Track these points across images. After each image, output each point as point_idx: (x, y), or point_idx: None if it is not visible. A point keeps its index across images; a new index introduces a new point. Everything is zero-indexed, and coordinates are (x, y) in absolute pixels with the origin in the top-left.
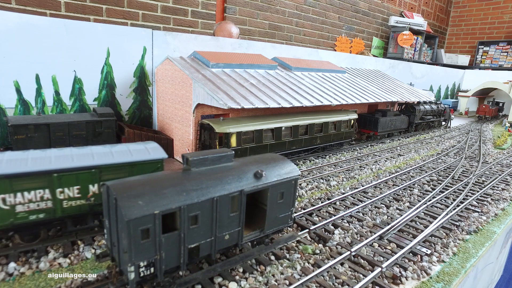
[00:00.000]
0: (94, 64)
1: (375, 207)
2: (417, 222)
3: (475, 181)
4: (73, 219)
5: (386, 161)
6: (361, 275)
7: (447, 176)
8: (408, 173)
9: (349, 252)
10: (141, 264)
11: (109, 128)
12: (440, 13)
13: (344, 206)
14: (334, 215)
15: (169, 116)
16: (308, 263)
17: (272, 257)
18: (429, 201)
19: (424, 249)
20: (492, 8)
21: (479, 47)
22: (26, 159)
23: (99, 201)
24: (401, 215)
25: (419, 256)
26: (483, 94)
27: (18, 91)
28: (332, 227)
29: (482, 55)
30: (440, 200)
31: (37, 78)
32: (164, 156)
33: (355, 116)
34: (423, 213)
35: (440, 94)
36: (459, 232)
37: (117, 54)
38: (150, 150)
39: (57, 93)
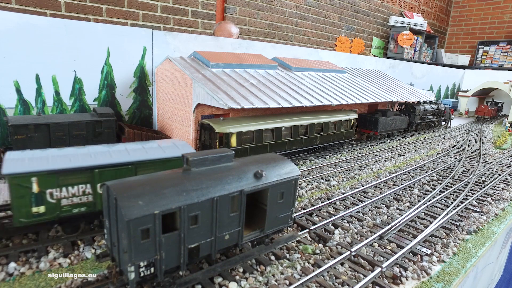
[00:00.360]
0: (94, 64)
1: (375, 207)
2: (417, 222)
3: (475, 181)
4: None
5: (386, 161)
6: (361, 275)
7: (447, 176)
8: (408, 173)
9: (349, 252)
10: (141, 264)
11: (109, 128)
12: (440, 13)
13: (344, 206)
14: (334, 215)
15: (169, 116)
16: (308, 263)
17: (272, 257)
18: (429, 201)
19: (424, 249)
20: (492, 8)
21: (479, 47)
22: (69, 155)
23: None
24: (401, 215)
25: (419, 256)
26: (483, 94)
27: (18, 91)
28: (332, 227)
29: (482, 55)
30: (440, 200)
31: (37, 78)
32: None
33: (355, 116)
34: (423, 213)
35: (440, 94)
36: (459, 232)
37: (117, 54)
38: (180, 147)
39: (57, 93)
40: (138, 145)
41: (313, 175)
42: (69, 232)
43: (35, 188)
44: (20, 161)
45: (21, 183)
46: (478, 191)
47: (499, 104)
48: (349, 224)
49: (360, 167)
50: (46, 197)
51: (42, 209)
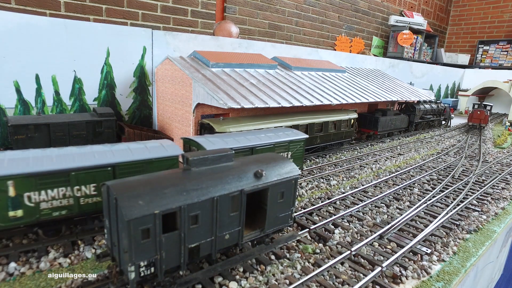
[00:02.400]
0: (94, 64)
1: (375, 206)
2: (417, 222)
3: (475, 180)
4: None
5: (386, 160)
6: (361, 275)
7: (447, 175)
8: (408, 172)
9: (349, 252)
10: (142, 264)
11: (109, 128)
12: (440, 12)
13: (344, 206)
14: (334, 215)
15: (169, 116)
16: (309, 262)
17: (273, 257)
18: (429, 200)
19: (424, 248)
20: (492, 7)
21: (479, 46)
22: (49, 157)
23: None
24: (401, 215)
25: (419, 255)
26: (483, 93)
27: (18, 91)
28: (332, 227)
29: (482, 54)
30: (440, 199)
31: (37, 78)
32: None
33: (355, 115)
34: (423, 212)
35: (440, 94)
36: (459, 231)
37: (117, 54)
38: (167, 147)
39: (57, 93)
40: (124, 146)
41: (313, 175)
42: (50, 236)
43: (11, 191)
44: None
45: None
46: (478, 190)
47: (488, 107)
48: (349, 224)
49: (360, 166)
50: (23, 200)
51: (19, 212)
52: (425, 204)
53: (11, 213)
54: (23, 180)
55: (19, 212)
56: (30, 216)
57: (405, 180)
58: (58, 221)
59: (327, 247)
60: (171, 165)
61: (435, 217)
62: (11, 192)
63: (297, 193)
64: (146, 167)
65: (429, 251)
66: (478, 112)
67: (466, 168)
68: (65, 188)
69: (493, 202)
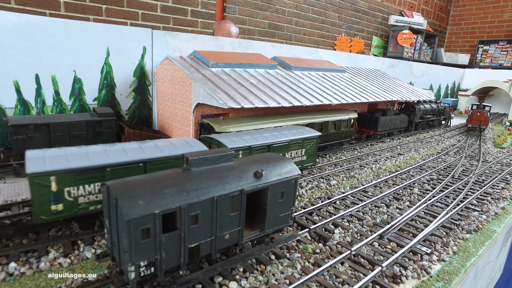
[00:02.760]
0: (94, 64)
1: (375, 206)
2: (417, 221)
3: (475, 180)
4: None
5: (386, 160)
6: (361, 274)
7: (447, 175)
8: (408, 172)
9: (349, 252)
10: (142, 263)
11: (109, 128)
12: (440, 12)
13: (344, 206)
14: (334, 214)
15: (169, 116)
16: (309, 262)
17: (273, 257)
18: (429, 200)
19: (424, 248)
20: (492, 7)
21: (479, 46)
22: (85, 154)
23: None
24: (401, 214)
25: (419, 255)
26: (483, 93)
27: (18, 91)
28: (332, 227)
29: (482, 54)
30: (440, 199)
31: (37, 78)
32: None
33: (355, 115)
34: (423, 212)
35: (440, 93)
36: (459, 231)
37: (116, 54)
38: (192, 144)
39: (57, 93)
40: (151, 143)
41: (313, 175)
42: (85, 229)
43: (53, 186)
44: (41, 160)
45: (41, 182)
46: (478, 190)
47: (487, 108)
48: (349, 224)
49: (360, 166)
50: (64, 195)
51: (60, 207)
52: (425, 204)
53: (53, 207)
54: (63, 176)
55: (60, 206)
56: (70, 210)
57: (405, 180)
58: (93, 215)
59: (327, 247)
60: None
61: (435, 217)
62: (53, 187)
63: (297, 193)
64: (173, 162)
65: (429, 251)
66: (478, 113)
67: (466, 168)
68: (101, 183)
69: (493, 202)
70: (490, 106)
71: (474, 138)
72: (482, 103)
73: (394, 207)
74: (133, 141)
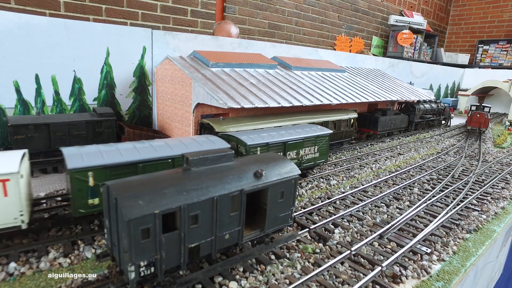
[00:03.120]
0: (94, 64)
1: (375, 206)
2: (417, 221)
3: (475, 180)
4: None
5: (386, 160)
6: (361, 274)
7: (447, 175)
8: (408, 172)
9: (349, 251)
10: (142, 263)
11: (109, 128)
12: (439, 11)
13: (344, 205)
14: (334, 214)
15: (169, 115)
16: (308, 262)
17: (272, 257)
18: (429, 200)
19: (424, 248)
20: (492, 7)
21: (479, 45)
22: (118, 150)
23: None
24: (401, 214)
25: (419, 255)
26: (483, 93)
27: (18, 91)
28: (332, 226)
29: (482, 54)
30: (440, 199)
31: (37, 78)
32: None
33: (355, 115)
34: (423, 212)
35: (440, 93)
36: (459, 231)
37: (116, 54)
38: (215, 142)
39: (56, 93)
40: (176, 141)
41: (313, 174)
42: None
43: (91, 181)
44: (78, 156)
45: (80, 177)
46: (478, 190)
47: (486, 109)
48: (349, 223)
49: (360, 166)
50: (99, 189)
51: (96, 201)
52: (425, 204)
53: (90, 201)
54: (99, 171)
55: (96, 200)
56: None
57: (405, 179)
58: None
59: (327, 246)
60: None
61: (435, 217)
62: (91, 182)
63: (297, 193)
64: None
65: (429, 250)
66: (478, 115)
67: (466, 168)
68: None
69: (493, 201)
70: (490, 107)
71: (474, 139)
72: (482, 104)
73: (394, 207)
74: (158, 138)
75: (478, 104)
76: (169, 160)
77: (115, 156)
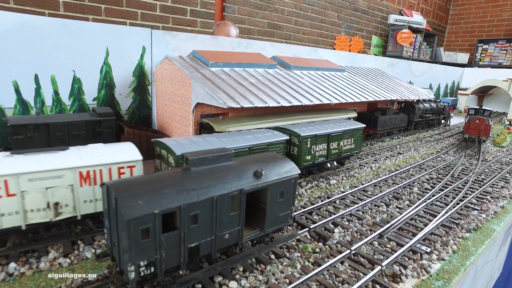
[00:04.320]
0: (93, 64)
1: (375, 205)
2: (417, 221)
3: (475, 179)
4: None
5: (385, 159)
6: (361, 274)
7: (447, 174)
8: (408, 171)
9: (349, 251)
10: (142, 263)
11: (108, 128)
12: (439, 11)
13: (344, 205)
14: (334, 214)
15: (169, 115)
16: (308, 261)
17: (272, 256)
18: (428, 199)
19: (424, 247)
20: (491, 6)
21: (478, 45)
22: (232, 139)
23: None
24: (401, 214)
25: (419, 254)
26: (483, 92)
27: (17, 91)
28: (332, 226)
29: (481, 53)
30: (440, 198)
31: (36, 78)
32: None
33: (354, 114)
34: (422, 211)
35: (440, 92)
36: (459, 230)
37: (116, 54)
38: (276, 134)
39: (56, 93)
40: (250, 134)
41: (312, 174)
42: None
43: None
44: (180, 146)
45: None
46: (477, 189)
47: (486, 113)
48: (349, 223)
49: (359, 165)
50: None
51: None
52: (425, 203)
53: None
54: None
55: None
56: None
57: (404, 179)
58: None
59: (327, 246)
60: (282, 147)
61: (434, 216)
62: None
63: (297, 193)
64: (267, 148)
65: (428, 250)
66: (477, 121)
67: (465, 167)
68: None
69: (492, 200)
70: (491, 111)
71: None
72: (482, 107)
73: (393, 206)
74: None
75: (477, 107)
76: (247, 149)
77: (205, 146)
